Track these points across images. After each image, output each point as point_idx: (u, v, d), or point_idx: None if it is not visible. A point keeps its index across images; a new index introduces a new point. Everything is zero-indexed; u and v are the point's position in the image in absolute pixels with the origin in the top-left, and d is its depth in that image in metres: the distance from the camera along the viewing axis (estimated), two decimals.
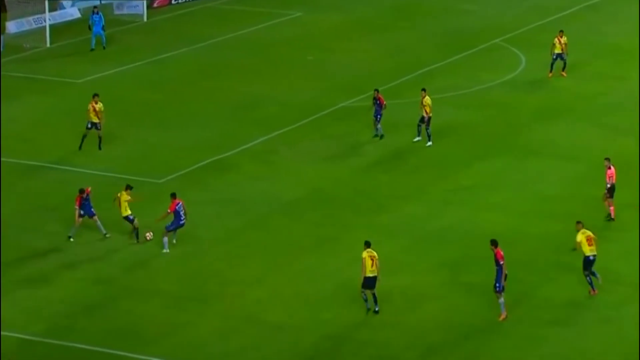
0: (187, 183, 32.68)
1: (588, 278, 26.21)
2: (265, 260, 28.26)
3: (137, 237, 28.99)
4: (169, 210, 28.58)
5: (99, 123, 35.09)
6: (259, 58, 46.24)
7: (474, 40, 47.84)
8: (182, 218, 28.59)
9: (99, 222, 29.12)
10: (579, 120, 37.74)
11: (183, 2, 55.06)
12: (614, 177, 29.81)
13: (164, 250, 28.51)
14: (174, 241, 28.87)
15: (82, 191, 29.13)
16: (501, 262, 25.02)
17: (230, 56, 46.66)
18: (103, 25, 46.79)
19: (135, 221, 28.89)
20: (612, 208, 29.89)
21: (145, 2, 52.31)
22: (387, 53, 46.12)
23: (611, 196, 29.84)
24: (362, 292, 25.41)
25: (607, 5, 52.48)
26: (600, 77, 42.34)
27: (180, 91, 41.95)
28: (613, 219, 29.83)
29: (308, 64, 45.46)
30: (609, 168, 29.89)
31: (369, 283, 25.33)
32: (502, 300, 25.03)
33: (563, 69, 42.11)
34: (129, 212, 28.94)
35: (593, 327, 24.77)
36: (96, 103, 35.08)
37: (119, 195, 29.03)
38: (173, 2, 54.97)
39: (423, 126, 35.88)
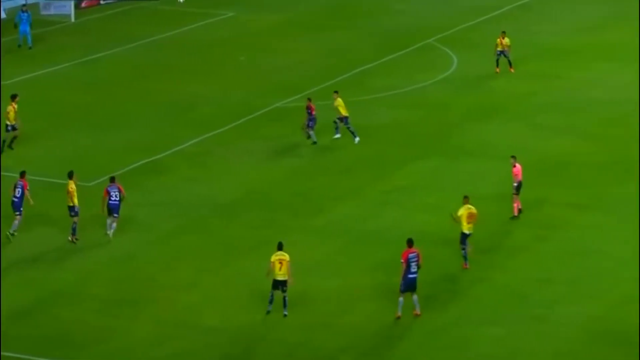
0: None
1: (463, 252, 27.51)
2: (199, 264, 28.13)
3: (74, 233, 28.72)
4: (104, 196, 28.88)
5: (16, 124, 34.72)
6: (193, 58, 46.05)
7: (408, 40, 48.19)
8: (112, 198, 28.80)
9: (17, 221, 28.72)
10: (513, 120, 38.16)
11: (113, 2, 54.49)
12: (520, 175, 30.30)
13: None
14: (110, 234, 28.83)
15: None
16: (402, 261, 25.22)
17: (163, 57, 46.40)
18: (30, 24, 46.24)
19: (76, 219, 28.77)
20: (516, 205, 30.29)
21: (73, 3, 51.71)
22: (321, 53, 46.23)
23: (517, 194, 30.35)
24: (271, 292, 25.43)
25: (539, 5, 53.20)
26: (534, 77, 42.85)
27: (113, 92, 41.61)
28: (516, 217, 30.24)
29: (242, 65, 45.39)
30: (514, 166, 30.40)
31: (278, 285, 25.41)
32: (401, 299, 25.17)
33: (510, 66, 42.81)
34: (76, 202, 28.77)
35: (525, 326, 25.05)
36: (15, 104, 34.71)
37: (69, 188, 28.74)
38: (102, 2, 54.38)
39: (342, 125, 36.01)
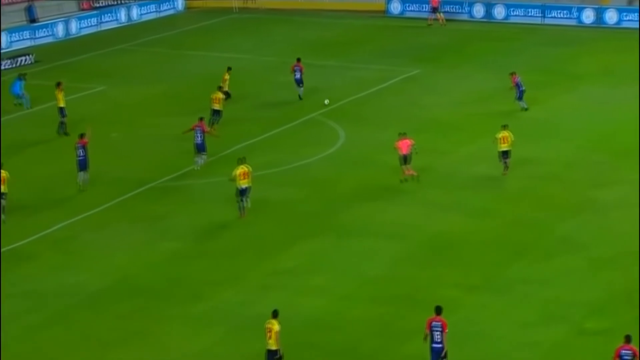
0: None
1: (238, 205, 34.96)
2: (65, 359, 27.53)
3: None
4: None
5: None
6: (58, 136, 45.58)
7: (293, 114, 48.74)
8: None
9: None
10: (401, 197, 38.73)
11: None
12: (404, 149, 39.19)
13: None
14: None
15: None
16: (425, 328, 26.10)
17: (26, 133, 45.84)
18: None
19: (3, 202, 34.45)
20: (406, 172, 38.77)
21: None
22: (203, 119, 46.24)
23: (405, 164, 39.02)
24: None
25: (425, 77, 54.37)
26: (421, 152, 43.55)
27: None
28: (406, 179, 39.07)
29: (113, 141, 45.16)
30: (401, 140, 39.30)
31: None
32: None
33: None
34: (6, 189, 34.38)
35: None
36: None
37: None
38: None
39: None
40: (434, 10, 69.15)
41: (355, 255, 33.88)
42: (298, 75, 50.57)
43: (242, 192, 36.27)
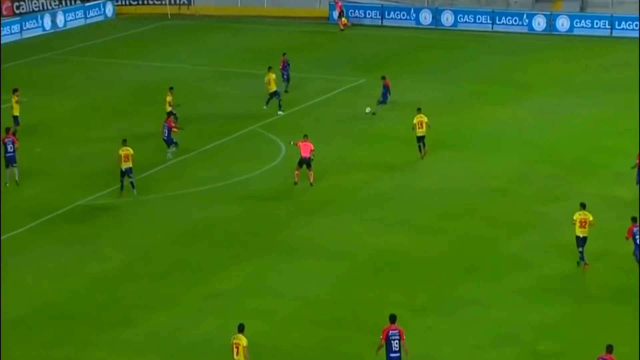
0: None
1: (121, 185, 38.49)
2: None
3: None
4: None
5: None
6: None
7: (231, 126, 48.76)
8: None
9: None
10: (343, 214, 38.90)
11: None
12: (305, 152, 40.26)
13: None
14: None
15: None
16: (381, 338, 26.52)
17: None
18: None
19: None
20: (296, 173, 40.40)
21: None
22: (129, 143, 45.97)
23: (299, 167, 40.68)
24: None
25: (369, 88, 54.65)
26: (365, 166, 43.82)
27: None
28: (297, 183, 40.45)
29: (37, 157, 44.85)
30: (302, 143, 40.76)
31: None
32: None
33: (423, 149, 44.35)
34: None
35: None
36: None
37: None
38: None
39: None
40: (340, 15, 70.45)
41: (295, 276, 33.96)
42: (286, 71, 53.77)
43: (124, 173, 40.07)
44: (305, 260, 35.07)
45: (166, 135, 44.34)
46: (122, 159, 39.93)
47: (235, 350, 26.12)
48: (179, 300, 32.42)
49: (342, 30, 70.01)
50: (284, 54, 54.65)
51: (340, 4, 71.18)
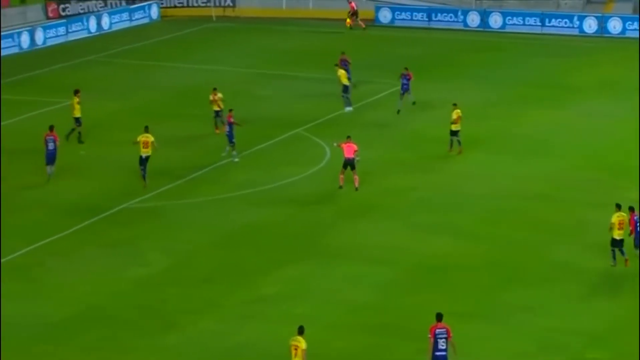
0: None
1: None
2: None
3: None
4: None
5: None
6: (23, 154, 45.47)
7: (274, 130, 48.75)
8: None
9: None
10: (387, 218, 38.75)
11: None
12: (348, 152, 40.23)
13: None
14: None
15: None
16: (429, 336, 26.43)
17: None
18: None
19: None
20: (341, 177, 40.54)
21: None
22: (173, 145, 46.24)
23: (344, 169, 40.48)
24: None
25: (415, 90, 54.14)
26: (409, 170, 43.59)
27: None
28: (341, 187, 40.73)
29: (82, 160, 45.09)
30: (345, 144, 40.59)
31: None
32: None
33: (455, 145, 44.92)
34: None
35: None
36: None
37: None
38: None
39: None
40: (354, 14, 70.74)
41: (339, 281, 33.86)
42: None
43: (143, 161, 40.74)
44: (350, 265, 34.95)
45: (228, 130, 44.57)
46: (142, 145, 40.55)
47: (294, 352, 26.00)
48: (222, 304, 32.42)
49: (350, 28, 70.39)
50: (342, 53, 55.07)
51: (353, 4, 71.25)
